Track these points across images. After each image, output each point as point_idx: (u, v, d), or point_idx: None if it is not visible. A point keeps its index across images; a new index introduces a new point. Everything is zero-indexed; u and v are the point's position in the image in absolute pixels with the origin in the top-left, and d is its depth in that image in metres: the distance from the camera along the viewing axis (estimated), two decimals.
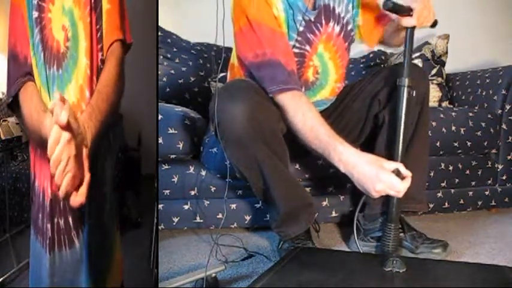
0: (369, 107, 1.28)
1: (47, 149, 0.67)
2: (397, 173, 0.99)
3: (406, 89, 1.07)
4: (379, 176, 0.98)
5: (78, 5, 0.87)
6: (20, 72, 0.86)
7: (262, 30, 1.13)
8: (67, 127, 0.66)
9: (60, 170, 0.67)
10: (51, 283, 0.85)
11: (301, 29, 1.21)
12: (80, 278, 0.87)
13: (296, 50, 1.22)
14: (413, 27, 1.09)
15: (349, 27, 1.31)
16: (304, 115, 1.09)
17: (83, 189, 0.70)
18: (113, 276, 0.97)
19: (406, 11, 1.07)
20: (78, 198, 0.69)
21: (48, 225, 0.84)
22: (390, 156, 1.08)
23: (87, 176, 0.71)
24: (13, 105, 0.87)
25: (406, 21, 1.08)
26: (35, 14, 0.86)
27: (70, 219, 0.85)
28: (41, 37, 0.86)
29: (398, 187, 0.98)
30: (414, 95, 1.09)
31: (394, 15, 1.11)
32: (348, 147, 1.04)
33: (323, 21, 1.25)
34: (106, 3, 0.89)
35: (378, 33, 1.31)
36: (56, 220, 0.85)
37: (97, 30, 0.88)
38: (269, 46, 1.13)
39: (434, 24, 1.13)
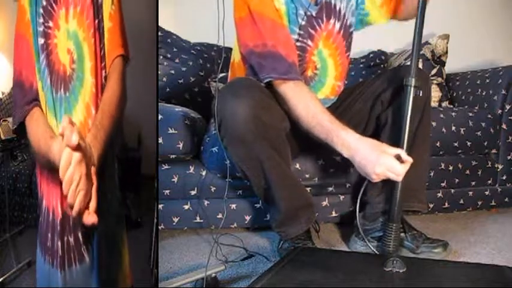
0: (371, 108, 1.28)
1: (57, 170, 0.69)
2: (398, 158, 1.02)
3: (412, 89, 1.08)
4: (380, 159, 1.00)
5: (82, 27, 0.88)
6: (25, 100, 0.88)
7: (263, 22, 1.13)
8: (77, 148, 0.69)
9: (72, 190, 0.69)
10: None
11: (303, 23, 1.21)
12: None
13: (298, 44, 1.22)
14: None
15: (348, 23, 1.30)
16: (307, 103, 1.10)
17: (94, 206, 0.72)
18: (122, 279, 0.98)
19: None
20: (90, 217, 0.72)
21: (59, 243, 0.86)
22: None
23: (95, 193, 0.73)
24: (19, 130, 0.88)
25: None
26: (41, 40, 0.87)
27: (80, 235, 0.86)
28: (47, 62, 0.87)
29: (398, 170, 1.00)
30: (420, 95, 1.09)
31: None
32: (351, 132, 1.06)
33: (324, 18, 1.25)
34: (108, 21, 0.91)
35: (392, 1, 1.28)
36: (66, 238, 0.86)
37: (100, 49, 0.90)
38: (270, 38, 1.13)
39: None
